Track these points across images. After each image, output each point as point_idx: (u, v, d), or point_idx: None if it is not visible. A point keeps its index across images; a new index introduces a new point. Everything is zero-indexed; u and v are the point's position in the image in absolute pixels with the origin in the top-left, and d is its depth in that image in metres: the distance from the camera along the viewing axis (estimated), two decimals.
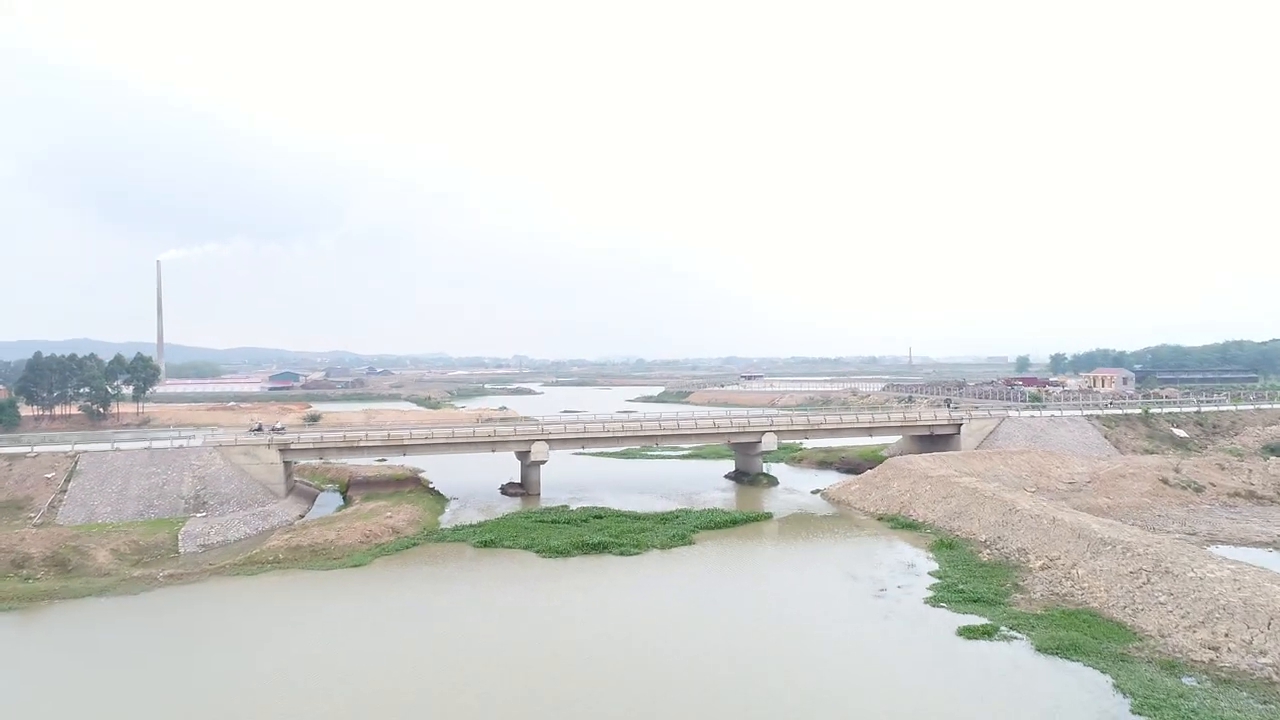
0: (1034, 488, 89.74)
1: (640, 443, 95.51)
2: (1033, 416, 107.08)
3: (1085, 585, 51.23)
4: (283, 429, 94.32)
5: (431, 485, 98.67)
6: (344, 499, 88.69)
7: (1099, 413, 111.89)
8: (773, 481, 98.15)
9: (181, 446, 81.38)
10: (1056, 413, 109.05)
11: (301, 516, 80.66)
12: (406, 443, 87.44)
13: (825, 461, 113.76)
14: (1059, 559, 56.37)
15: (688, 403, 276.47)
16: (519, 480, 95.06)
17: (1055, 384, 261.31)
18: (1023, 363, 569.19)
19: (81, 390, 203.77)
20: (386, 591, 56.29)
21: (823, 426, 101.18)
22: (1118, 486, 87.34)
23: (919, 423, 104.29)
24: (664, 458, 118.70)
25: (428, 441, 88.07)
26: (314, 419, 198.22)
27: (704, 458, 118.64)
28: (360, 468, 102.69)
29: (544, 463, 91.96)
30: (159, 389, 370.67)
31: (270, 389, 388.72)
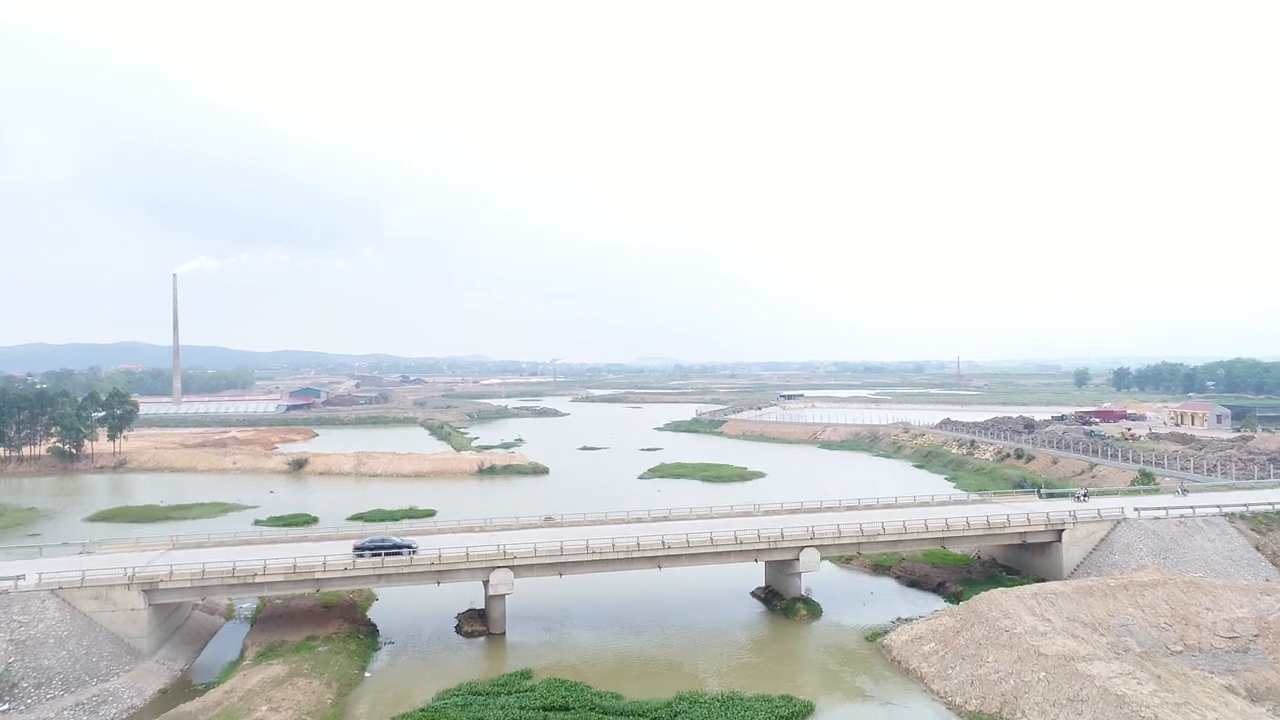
0: (1179, 644, 64.98)
1: (636, 566, 72.38)
2: (1156, 518, 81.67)
3: None
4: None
5: (370, 611, 76.72)
6: (241, 649, 66.69)
7: (1243, 506, 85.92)
8: (814, 611, 74.34)
9: (4, 592, 59.73)
10: (1187, 510, 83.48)
11: (164, 691, 58.82)
12: (319, 575, 65.24)
13: (882, 565, 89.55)
14: None
15: (720, 434, 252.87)
16: (481, 608, 72.59)
17: (1134, 417, 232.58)
18: (1081, 376, 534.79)
19: (52, 429, 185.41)
20: None
21: (880, 538, 77.00)
22: None
23: (1007, 529, 79.62)
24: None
25: (345, 574, 65.78)
26: (300, 464, 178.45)
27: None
28: None
29: (508, 594, 69.34)
30: (167, 410, 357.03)
31: (288, 406, 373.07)
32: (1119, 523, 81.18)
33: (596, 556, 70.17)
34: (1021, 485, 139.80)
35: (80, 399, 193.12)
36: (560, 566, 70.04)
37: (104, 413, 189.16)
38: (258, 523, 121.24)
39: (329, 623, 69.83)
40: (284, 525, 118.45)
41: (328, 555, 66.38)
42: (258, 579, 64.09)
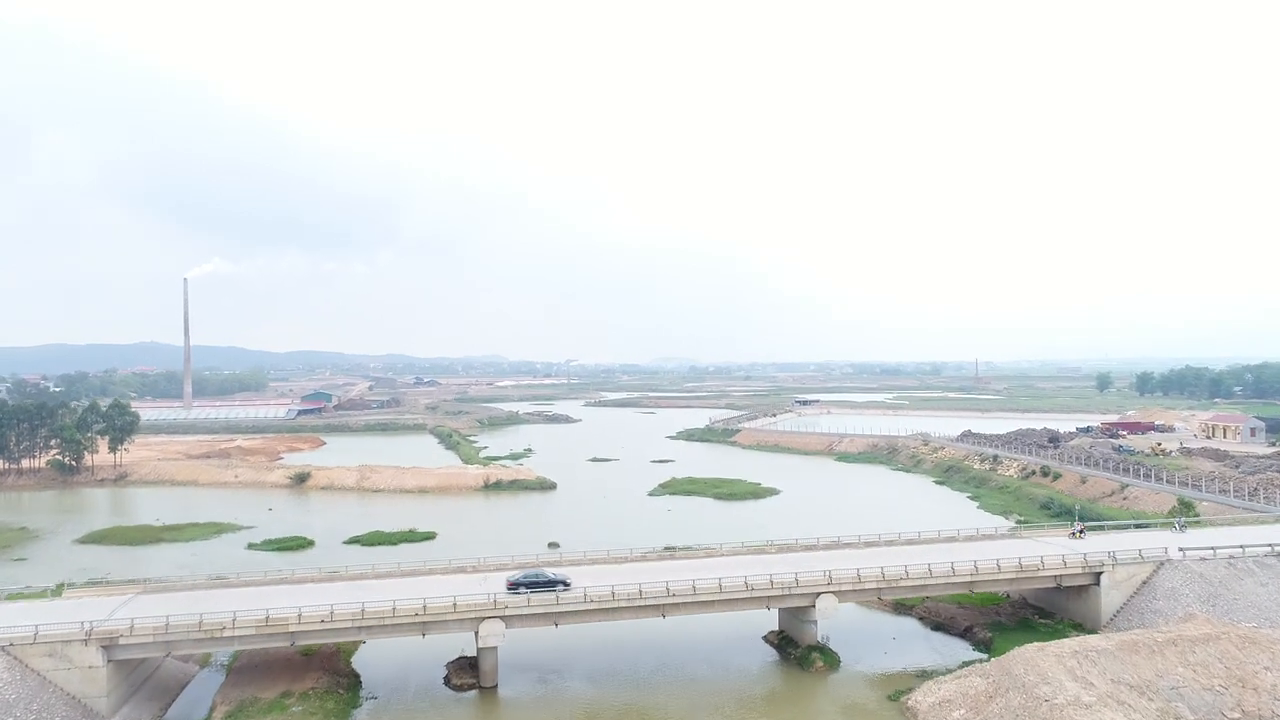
0: (1236, 710, 58.93)
1: (639, 614, 67.05)
2: (1203, 559, 75.51)
3: None
4: None
5: (355, 657, 71.67)
6: (211, 707, 61.74)
7: None
8: (831, 662, 68.73)
9: None
10: (1236, 550, 77.14)
11: None
12: (293, 628, 60.24)
13: (904, 604, 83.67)
14: None
15: (734, 444, 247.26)
16: (473, 655, 67.34)
17: (1163, 429, 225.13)
18: (1103, 381, 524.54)
19: (52, 441, 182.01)
20: None
21: (903, 583, 71.28)
22: None
23: (1041, 572, 73.68)
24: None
25: (322, 626, 60.74)
26: (301, 479, 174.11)
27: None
28: None
29: (500, 645, 64.20)
30: (177, 415, 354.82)
31: (299, 412, 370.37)
32: (1162, 564, 75.07)
33: (595, 605, 64.84)
34: (1048, 506, 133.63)
35: (80, 410, 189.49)
36: (556, 616, 64.79)
37: (104, 424, 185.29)
38: (251, 546, 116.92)
39: (307, 674, 64.86)
40: (277, 549, 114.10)
41: (303, 605, 61.22)
42: (226, 633, 59.18)
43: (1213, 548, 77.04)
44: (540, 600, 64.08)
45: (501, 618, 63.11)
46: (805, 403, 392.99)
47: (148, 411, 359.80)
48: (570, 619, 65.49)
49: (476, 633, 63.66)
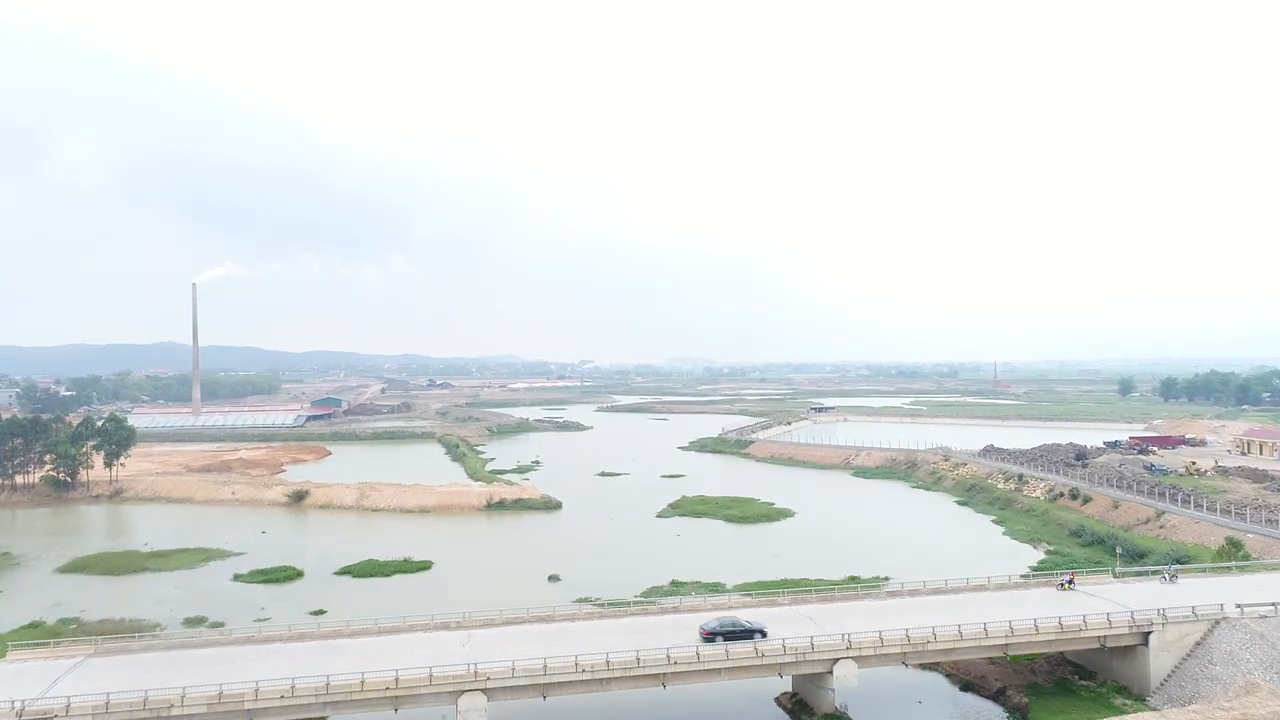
0: None
1: (636, 684, 60.55)
2: (1264, 617, 68.19)
3: None
4: None
5: None
6: None
7: None
8: None
9: None
10: None
11: None
12: (249, 705, 54.01)
13: (929, 664, 76.63)
14: None
15: (747, 455, 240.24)
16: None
17: (1194, 442, 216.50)
18: (1125, 386, 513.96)
19: (46, 457, 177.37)
20: None
21: (930, 646, 64.41)
22: None
23: (1082, 633, 66.60)
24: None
25: (282, 703, 54.45)
26: (299, 496, 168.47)
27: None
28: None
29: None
30: (184, 422, 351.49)
31: (308, 418, 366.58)
32: (1217, 623, 67.79)
33: (588, 675, 58.32)
34: (1079, 534, 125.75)
35: (75, 425, 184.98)
36: (544, 688, 58.29)
37: (100, 439, 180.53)
38: (238, 577, 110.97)
39: None
40: (264, 581, 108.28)
41: (260, 679, 54.82)
42: (174, 711, 52.99)
43: (1274, 604, 69.72)
44: (527, 669, 57.56)
45: (483, 690, 56.72)
46: (821, 409, 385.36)
47: (155, 418, 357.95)
48: (560, 690, 58.99)
49: (456, 706, 57.31)
